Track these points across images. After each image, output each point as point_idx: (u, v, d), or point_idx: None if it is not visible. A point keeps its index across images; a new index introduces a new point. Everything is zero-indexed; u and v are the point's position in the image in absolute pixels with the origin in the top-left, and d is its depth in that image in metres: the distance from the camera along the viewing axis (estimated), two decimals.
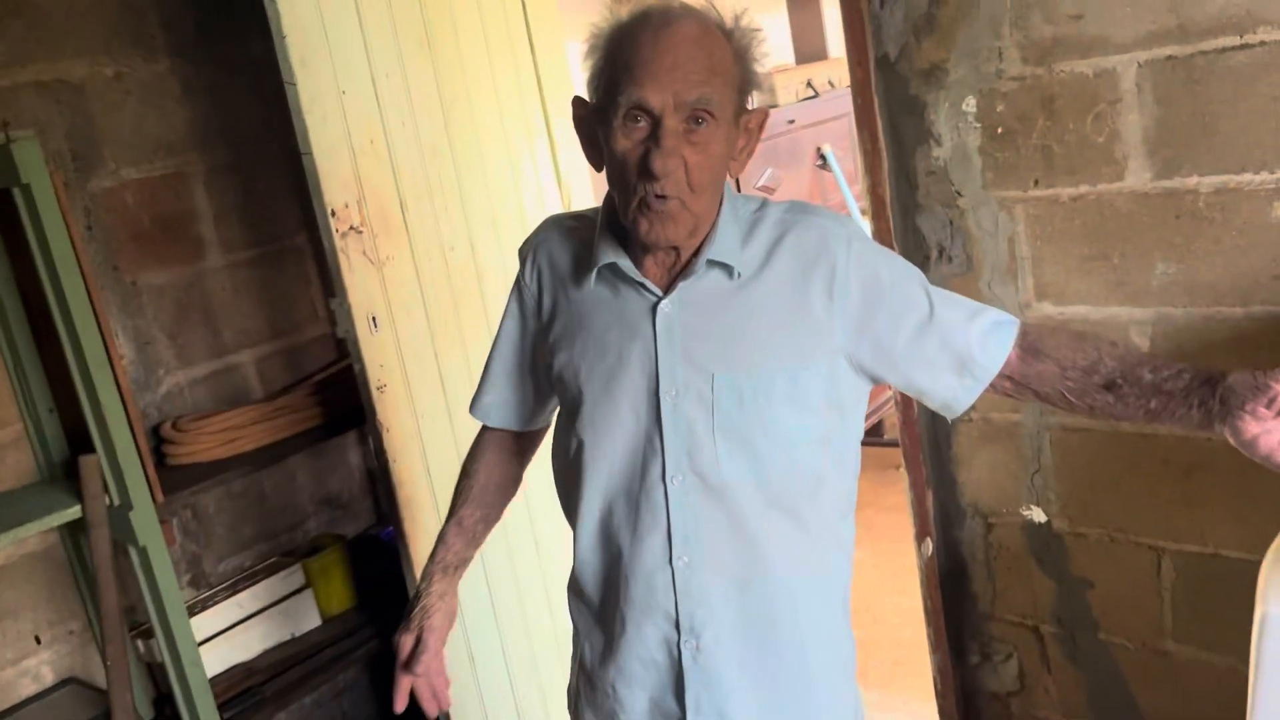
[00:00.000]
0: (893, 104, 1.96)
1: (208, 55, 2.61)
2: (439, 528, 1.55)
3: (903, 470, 2.15)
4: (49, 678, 2.38)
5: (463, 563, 1.52)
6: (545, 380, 1.46)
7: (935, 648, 2.23)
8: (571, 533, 1.43)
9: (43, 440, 2.31)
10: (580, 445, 1.36)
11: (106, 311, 2.42)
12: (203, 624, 2.35)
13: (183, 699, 2.23)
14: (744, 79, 1.25)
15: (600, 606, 1.42)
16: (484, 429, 1.58)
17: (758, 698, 1.36)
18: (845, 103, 4.10)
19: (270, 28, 2.03)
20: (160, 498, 2.16)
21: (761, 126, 1.31)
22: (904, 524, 2.19)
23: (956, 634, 2.21)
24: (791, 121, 3.68)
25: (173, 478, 2.33)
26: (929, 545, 2.16)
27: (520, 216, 2.62)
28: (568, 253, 1.41)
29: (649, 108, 1.18)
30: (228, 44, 2.64)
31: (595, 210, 1.40)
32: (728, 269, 1.28)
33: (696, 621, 1.32)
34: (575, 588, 1.46)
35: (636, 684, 1.39)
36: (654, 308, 1.30)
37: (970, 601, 2.16)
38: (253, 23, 2.52)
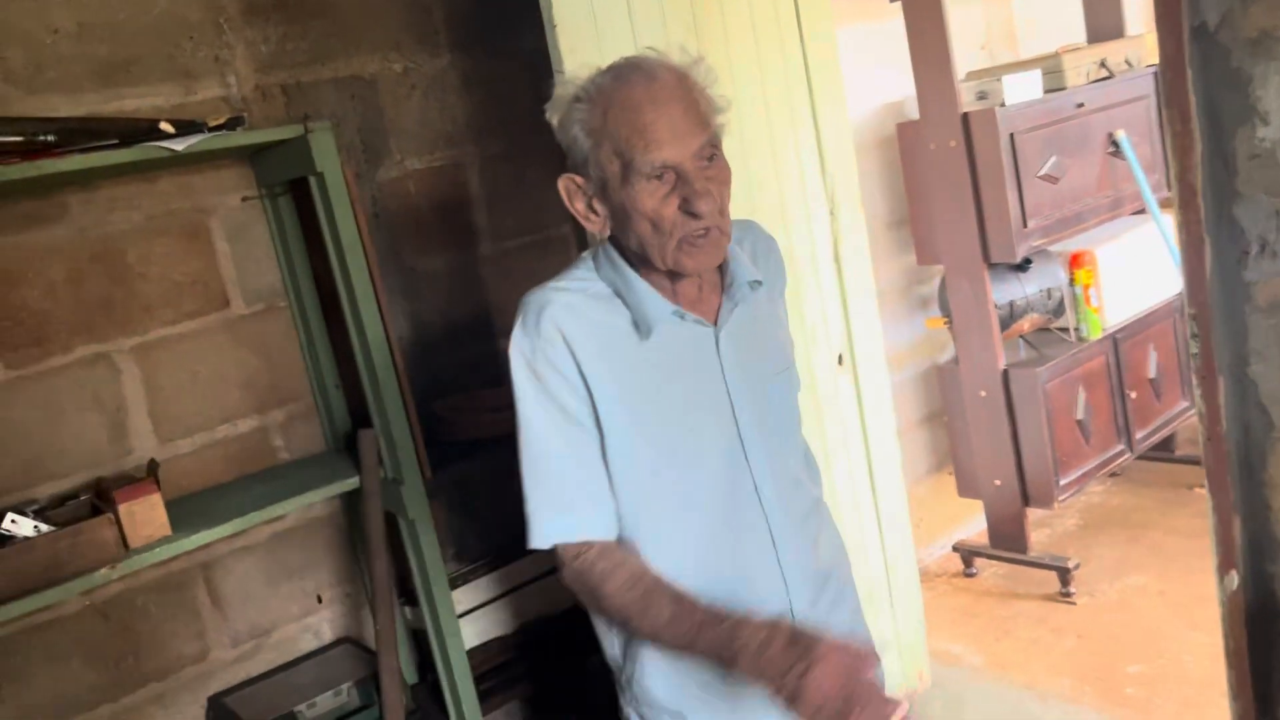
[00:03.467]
0: (1210, 79, 1.73)
1: (485, 49, 2.71)
2: None
3: (1197, 491, 1.91)
4: (327, 635, 2.55)
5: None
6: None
7: (1237, 694, 1.97)
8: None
9: (329, 413, 2.49)
10: (671, 494, 1.35)
11: (390, 295, 2.56)
12: (463, 597, 2.45)
13: (443, 667, 2.33)
14: (711, 112, 1.32)
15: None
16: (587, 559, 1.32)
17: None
18: (1143, 84, 3.74)
19: (542, 18, 2.06)
20: (429, 474, 2.26)
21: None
22: (1196, 549, 1.96)
23: (1263, 681, 1.94)
24: (1080, 105, 3.39)
25: (443, 454, 2.44)
26: (1234, 579, 1.91)
27: (780, 208, 2.55)
28: (587, 320, 1.32)
29: (673, 165, 1.26)
30: (503, 37, 2.73)
31: (575, 276, 1.37)
32: (755, 282, 1.41)
33: (805, 602, 1.43)
34: None
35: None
36: (716, 339, 1.38)
37: None
38: (527, 15, 2.59)
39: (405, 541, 2.29)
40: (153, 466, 2.16)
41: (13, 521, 1.94)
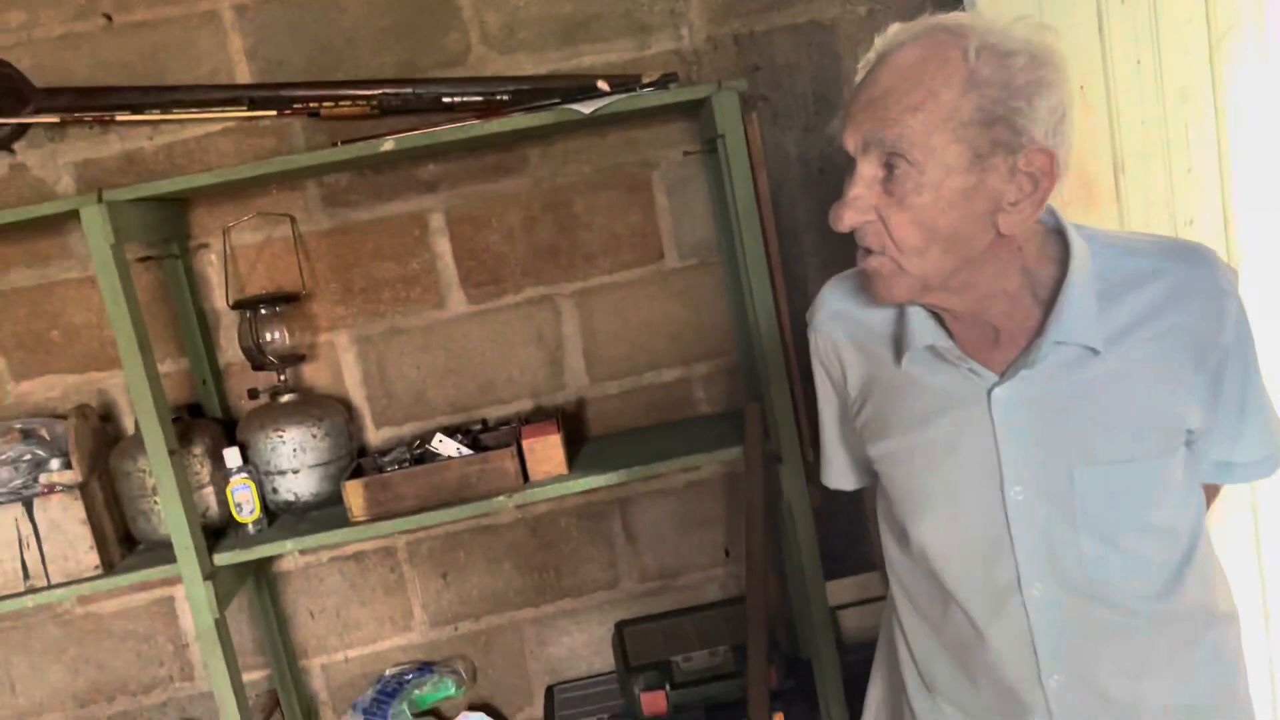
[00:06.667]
0: None
1: None
2: None
3: None
4: (732, 589, 2.57)
5: None
6: None
7: None
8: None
9: (752, 372, 2.44)
10: (915, 543, 1.24)
11: (821, 262, 2.42)
12: (848, 587, 2.30)
13: (815, 658, 2.22)
14: (984, 112, 1.00)
15: (963, 711, 1.29)
16: None
17: None
18: None
19: None
20: (810, 456, 2.12)
21: (1048, 173, 1.03)
22: None
23: None
24: None
25: None
26: None
27: None
28: (868, 322, 1.25)
29: (847, 149, 1.08)
30: None
31: None
32: (1088, 349, 1.09)
33: None
34: (927, 685, 1.33)
35: None
36: (989, 392, 1.13)
37: None
38: None
39: (784, 520, 2.20)
40: (563, 410, 2.31)
41: (439, 441, 2.22)
